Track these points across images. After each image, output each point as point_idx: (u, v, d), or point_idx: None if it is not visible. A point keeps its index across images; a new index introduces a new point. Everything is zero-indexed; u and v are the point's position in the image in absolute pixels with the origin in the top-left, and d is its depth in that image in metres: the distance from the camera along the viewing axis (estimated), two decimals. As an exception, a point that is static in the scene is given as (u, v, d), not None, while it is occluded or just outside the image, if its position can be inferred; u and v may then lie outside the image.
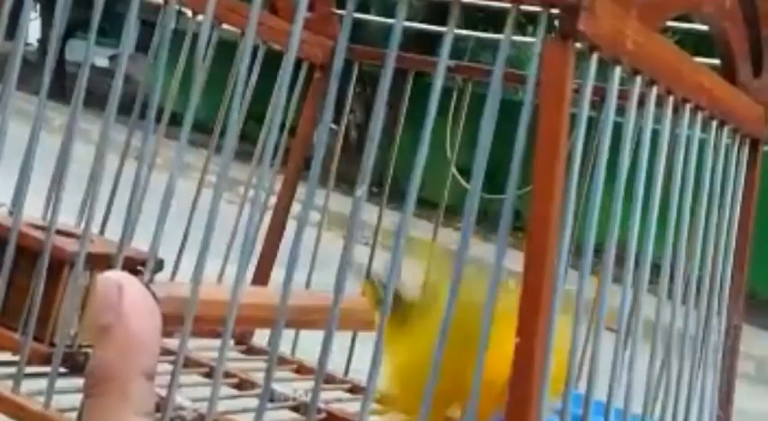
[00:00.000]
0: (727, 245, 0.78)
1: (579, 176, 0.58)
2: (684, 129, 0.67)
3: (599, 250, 0.60)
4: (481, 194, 0.96)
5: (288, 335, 0.98)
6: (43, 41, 10.30)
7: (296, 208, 0.86)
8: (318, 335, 0.60)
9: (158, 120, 0.77)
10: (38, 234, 0.73)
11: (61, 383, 0.70)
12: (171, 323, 0.62)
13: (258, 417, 0.62)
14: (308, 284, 1.01)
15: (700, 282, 0.74)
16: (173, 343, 0.67)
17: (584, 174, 0.86)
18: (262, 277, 1.05)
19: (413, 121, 0.86)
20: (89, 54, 0.71)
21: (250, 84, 0.93)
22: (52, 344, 0.73)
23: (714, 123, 0.72)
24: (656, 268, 0.66)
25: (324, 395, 0.90)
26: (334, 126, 1.04)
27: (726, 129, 0.74)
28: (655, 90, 0.63)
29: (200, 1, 0.76)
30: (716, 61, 0.77)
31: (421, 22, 1.29)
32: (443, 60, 0.59)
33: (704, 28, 0.75)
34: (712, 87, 0.69)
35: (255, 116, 0.91)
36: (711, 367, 0.79)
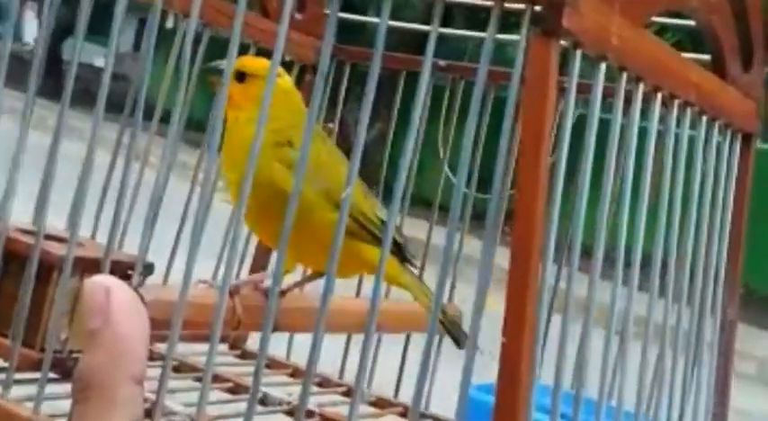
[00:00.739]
0: (721, 240, 0.77)
1: (567, 175, 0.58)
2: (673, 126, 0.67)
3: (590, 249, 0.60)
4: (475, 193, 0.96)
5: (283, 338, 0.97)
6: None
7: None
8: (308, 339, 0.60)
9: (151, 118, 0.77)
10: (26, 238, 0.73)
11: (51, 389, 0.69)
12: (160, 327, 0.61)
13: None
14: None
15: (692, 278, 0.73)
16: (165, 347, 0.66)
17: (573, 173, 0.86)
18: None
19: (407, 122, 0.86)
20: (77, 53, 0.71)
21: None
22: (42, 350, 0.72)
23: (704, 119, 0.71)
24: (648, 265, 0.66)
25: (318, 398, 0.90)
26: (330, 125, 1.04)
27: (717, 125, 0.73)
28: (642, 86, 0.62)
29: (187, 3, 0.76)
30: (706, 56, 0.77)
31: (421, 22, 1.29)
32: (428, 59, 0.59)
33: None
34: (701, 82, 0.69)
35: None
36: (706, 365, 0.79)
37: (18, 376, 0.70)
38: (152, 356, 0.77)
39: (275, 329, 0.84)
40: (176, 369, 0.89)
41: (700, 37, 0.76)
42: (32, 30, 9.98)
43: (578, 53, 0.56)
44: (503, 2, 0.57)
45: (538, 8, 0.55)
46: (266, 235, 0.83)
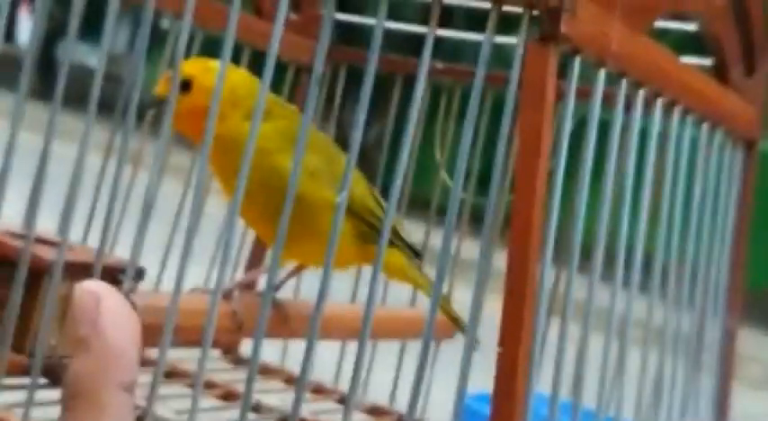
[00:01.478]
0: (723, 244, 0.77)
1: (567, 179, 0.57)
2: (674, 132, 0.66)
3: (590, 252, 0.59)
4: (478, 197, 0.95)
5: (277, 345, 0.96)
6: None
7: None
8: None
9: (141, 119, 0.76)
10: (16, 242, 0.72)
11: (41, 395, 0.68)
12: (151, 333, 0.60)
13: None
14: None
15: (694, 283, 0.73)
16: (156, 353, 0.66)
17: (573, 177, 0.85)
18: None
19: (404, 123, 0.85)
20: (68, 55, 0.70)
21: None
22: (31, 355, 0.71)
23: (706, 125, 0.70)
24: (649, 270, 0.65)
25: (312, 406, 0.89)
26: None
27: (718, 131, 0.72)
28: (642, 92, 0.61)
29: (180, 4, 0.75)
30: (707, 62, 0.76)
31: (419, 23, 1.28)
32: (425, 62, 0.58)
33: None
34: (702, 88, 0.68)
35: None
36: (707, 370, 0.78)
37: (7, 381, 0.69)
38: (144, 362, 0.76)
39: (282, 336, 0.84)
40: (168, 375, 0.88)
41: (701, 39, 0.76)
42: (27, 30, 9.99)
43: (577, 59, 0.56)
44: (501, 5, 0.56)
45: (536, 13, 0.54)
46: (267, 233, 0.81)
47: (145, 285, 0.77)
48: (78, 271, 0.71)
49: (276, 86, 0.67)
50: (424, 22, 1.09)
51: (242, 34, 0.88)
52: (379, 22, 0.58)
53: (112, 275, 0.71)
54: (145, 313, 0.51)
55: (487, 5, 0.57)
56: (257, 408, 0.84)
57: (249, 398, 0.60)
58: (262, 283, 0.80)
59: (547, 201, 0.54)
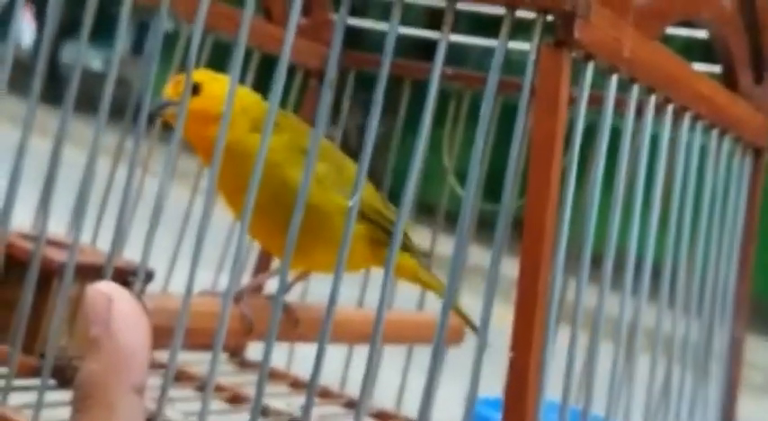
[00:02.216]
0: (731, 253, 0.77)
1: (578, 185, 0.57)
2: (684, 138, 0.66)
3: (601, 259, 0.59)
4: (484, 203, 0.95)
5: (284, 348, 0.97)
6: (36, 44, 10.31)
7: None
8: (315, 348, 0.59)
9: (152, 123, 0.76)
10: (27, 244, 0.72)
11: (50, 396, 0.69)
12: (162, 335, 0.60)
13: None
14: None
15: (702, 291, 0.73)
16: (166, 356, 0.66)
17: (584, 184, 0.85)
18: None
19: (411, 128, 0.85)
20: (80, 58, 0.70)
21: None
22: (42, 357, 0.71)
23: (715, 132, 0.71)
24: (657, 278, 0.66)
25: (319, 409, 0.89)
26: (332, 128, 1.03)
27: (727, 138, 0.73)
28: (653, 98, 0.62)
29: (192, 8, 0.75)
30: (716, 69, 0.76)
31: (422, 27, 1.28)
32: (437, 67, 0.58)
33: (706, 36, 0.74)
34: (712, 95, 0.68)
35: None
36: (714, 378, 0.78)
37: (17, 382, 0.69)
38: (152, 364, 0.76)
39: (290, 339, 0.84)
40: (175, 377, 0.88)
41: (707, 46, 0.76)
42: (28, 32, 9.96)
43: (590, 65, 0.56)
44: (514, 11, 0.56)
45: (550, 18, 0.54)
46: (275, 244, 0.81)
47: (152, 289, 0.77)
48: (89, 272, 0.71)
49: (284, 90, 0.67)
50: (428, 25, 1.10)
51: (252, 38, 0.89)
52: (392, 28, 0.58)
53: (122, 277, 0.72)
54: (155, 315, 0.51)
55: (498, 11, 0.58)
56: (265, 412, 0.84)
57: (259, 401, 0.60)
58: (269, 287, 0.80)
59: (559, 200, 0.54)
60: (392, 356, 0.94)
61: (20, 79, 0.78)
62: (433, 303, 0.84)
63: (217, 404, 0.86)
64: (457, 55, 0.61)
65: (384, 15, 0.64)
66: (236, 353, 1.02)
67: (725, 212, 0.75)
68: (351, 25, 1.02)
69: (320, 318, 0.59)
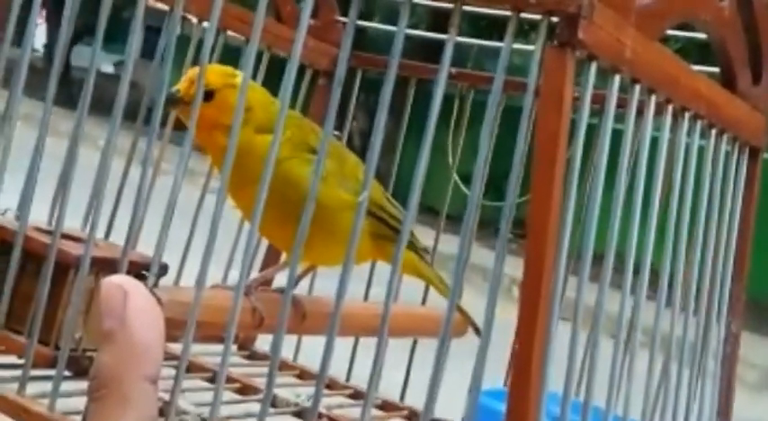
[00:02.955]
0: (727, 251, 0.78)
1: (579, 184, 0.59)
2: (683, 138, 0.67)
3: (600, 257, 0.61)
4: (484, 202, 0.97)
5: (290, 340, 0.98)
6: (49, 47, 10.29)
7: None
8: (321, 340, 0.61)
9: (164, 125, 0.78)
10: (43, 238, 0.74)
11: (66, 386, 0.70)
12: (175, 327, 0.62)
13: (260, 422, 0.62)
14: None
15: (699, 289, 0.74)
16: (177, 347, 0.67)
17: (585, 182, 0.87)
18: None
19: (415, 128, 0.86)
20: (94, 60, 0.72)
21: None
22: (57, 348, 0.73)
23: (713, 131, 0.72)
24: (655, 275, 0.67)
25: (326, 401, 0.90)
26: (337, 133, 1.05)
27: (725, 137, 0.74)
28: (654, 98, 0.63)
29: (204, 8, 0.77)
30: (716, 69, 0.77)
31: (425, 29, 1.29)
32: (444, 68, 0.60)
33: (704, 36, 0.75)
34: (711, 95, 0.70)
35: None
36: (710, 374, 0.80)
37: (33, 373, 0.71)
38: (165, 356, 0.78)
39: (299, 332, 0.85)
40: (186, 369, 0.89)
41: (703, 45, 0.77)
42: (40, 35, 9.94)
43: (593, 65, 0.57)
44: (519, 13, 0.57)
45: (554, 19, 0.56)
46: (282, 239, 0.83)
47: (164, 281, 0.79)
48: (103, 266, 0.73)
49: (293, 90, 0.68)
50: (432, 27, 1.10)
51: (262, 38, 0.90)
52: (400, 29, 0.59)
53: (136, 271, 0.73)
54: (168, 308, 0.53)
55: (504, 13, 0.59)
56: (274, 402, 0.86)
57: (270, 391, 0.62)
58: (278, 281, 0.81)
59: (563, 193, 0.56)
60: (395, 347, 0.95)
61: (32, 81, 0.79)
62: (437, 297, 0.86)
63: (227, 394, 0.87)
64: (456, 56, 0.62)
65: (388, 17, 0.65)
66: (244, 345, 1.03)
67: (722, 211, 0.76)
68: (358, 25, 1.04)
69: (327, 312, 0.61)
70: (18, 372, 0.71)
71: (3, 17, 0.76)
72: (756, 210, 0.82)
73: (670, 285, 0.69)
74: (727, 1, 0.72)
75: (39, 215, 0.79)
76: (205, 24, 0.87)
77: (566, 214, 0.56)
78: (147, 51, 0.85)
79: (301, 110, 1.00)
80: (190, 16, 0.88)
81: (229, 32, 0.92)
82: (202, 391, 0.85)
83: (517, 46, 0.77)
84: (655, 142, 0.64)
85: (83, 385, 0.60)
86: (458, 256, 0.58)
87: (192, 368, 0.91)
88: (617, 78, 0.59)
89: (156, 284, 0.70)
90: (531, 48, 0.57)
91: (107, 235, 0.85)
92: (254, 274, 0.86)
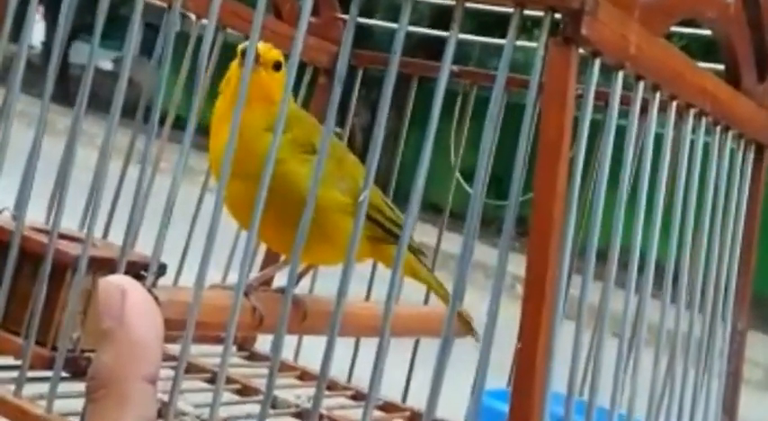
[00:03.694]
0: (732, 249, 0.78)
1: (583, 181, 0.58)
2: (688, 134, 0.67)
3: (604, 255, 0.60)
4: (486, 200, 0.96)
5: (290, 341, 0.98)
6: (47, 44, 10.30)
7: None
8: (321, 341, 0.60)
9: (162, 123, 0.77)
10: (41, 237, 0.73)
11: (63, 387, 0.70)
12: (173, 327, 0.61)
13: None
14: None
15: (704, 286, 0.74)
16: (176, 348, 0.67)
17: (589, 179, 0.86)
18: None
19: (417, 125, 0.86)
20: (92, 58, 0.71)
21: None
22: (54, 349, 0.72)
23: (718, 128, 0.72)
24: (661, 273, 0.66)
25: (326, 402, 0.90)
26: (338, 129, 1.04)
27: (730, 134, 0.73)
28: (658, 95, 0.62)
29: (203, 5, 0.76)
30: (720, 66, 0.77)
31: (427, 26, 1.29)
32: (446, 66, 0.59)
33: (709, 33, 0.75)
34: (716, 92, 0.69)
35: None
36: (716, 373, 0.79)
37: (30, 374, 0.70)
38: (163, 357, 0.77)
39: (299, 332, 0.84)
40: (185, 369, 0.89)
41: (707, 42, 0.77)
42: (38, 32, 9.95)
43: (597, 61, 0.57)
44: (522, 9, 0.57)
45: (558, 16, 0.55)
46: (278, 239, 0.82)
47: (163, 281, 0.78)
48: (101, 266, 0.72)
49: (293, 87, 0.68)
50: (433, 24, 1.10)
51: (262, 36, 0.90)
52: (401, 26, 0.59)
53: (134, 271, 0.73)
54: (167, 308, 0.52)
55: (507, 9, 0.58)
56: (274, 403, 0.85)
57: (271, 392, 0.61)
58: (277, 281, 0.81)
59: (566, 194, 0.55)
60: (397, 349, 0.95)
61: (30, 78, 0.78)
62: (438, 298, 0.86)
63: (226, 395, 0.87)
64: (459, 53, 0.61)
65: (390, 15, 0.64)
66: (244, 345, 1.03)
67: (727, 208, 0.76)
68: (359, 23, 1.03)
69: (328, 311, 0.60)
70: (15, 374, 0.70)
71: (0, 14, 0.75)
72: (762, 207, 0.82)
73: (675, 283, 0.68)
74: (732, -3, 0.71)
75: (36, 214, 0.78)
76: (204, 21, 0.86)
77: (569, 212, 0.56)
78: (146, 48, 0.85)
79: (301, 107, 1.00)
80: (188, 13, 0.88)
81: (229, 30, 0.92)
82: (202, 392, 0.85)
83: (520, 43, 0.77)
84: (659, 139, 0.64)
85: (81, 386, 0.59)
86: (460, 256, 0.58)
87: (192, 369, 0.90)
88: (621, 75, 0.59)
89: (154, 284, 0.69)
90: (534, 44, 0.56)
91: (105, 234, 0.84)
92: (254, 274, 0.85)
